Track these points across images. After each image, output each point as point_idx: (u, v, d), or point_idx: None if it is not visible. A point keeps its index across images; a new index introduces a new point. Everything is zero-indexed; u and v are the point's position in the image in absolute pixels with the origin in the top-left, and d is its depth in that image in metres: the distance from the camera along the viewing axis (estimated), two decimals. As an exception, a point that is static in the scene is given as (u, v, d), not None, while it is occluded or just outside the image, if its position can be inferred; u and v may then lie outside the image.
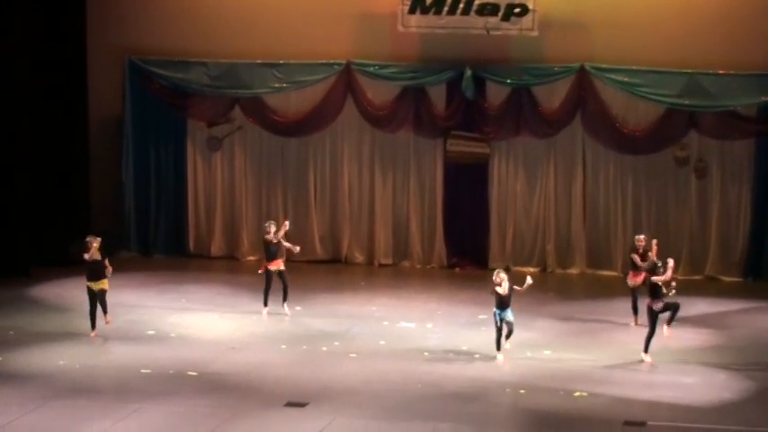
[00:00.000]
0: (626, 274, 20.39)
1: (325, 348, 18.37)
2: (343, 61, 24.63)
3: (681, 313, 20.37)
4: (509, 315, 17.67)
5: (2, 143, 23.17)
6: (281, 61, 24.74)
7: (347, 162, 25.24)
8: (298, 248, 20.58)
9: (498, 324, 17.67)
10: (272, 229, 20.30)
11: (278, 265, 20.32)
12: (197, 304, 21.21)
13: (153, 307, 20.89)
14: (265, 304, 20.44)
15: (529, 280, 17.83)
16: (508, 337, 17.85)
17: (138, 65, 25.17)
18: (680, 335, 19.32)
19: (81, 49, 24.35)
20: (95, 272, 18.75)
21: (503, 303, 17.61)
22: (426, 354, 18.11)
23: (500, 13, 23.64)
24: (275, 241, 20.25)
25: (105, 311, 18.83)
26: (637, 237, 20.17)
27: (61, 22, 23.93)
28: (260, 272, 20.49)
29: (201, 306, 21.02)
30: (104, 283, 18.80)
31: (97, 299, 18.74)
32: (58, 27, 23.89)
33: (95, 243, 18.81)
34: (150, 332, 19.20)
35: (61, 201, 23.89)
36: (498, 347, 17.77)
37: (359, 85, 24.74)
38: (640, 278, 19.41)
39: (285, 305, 20.40)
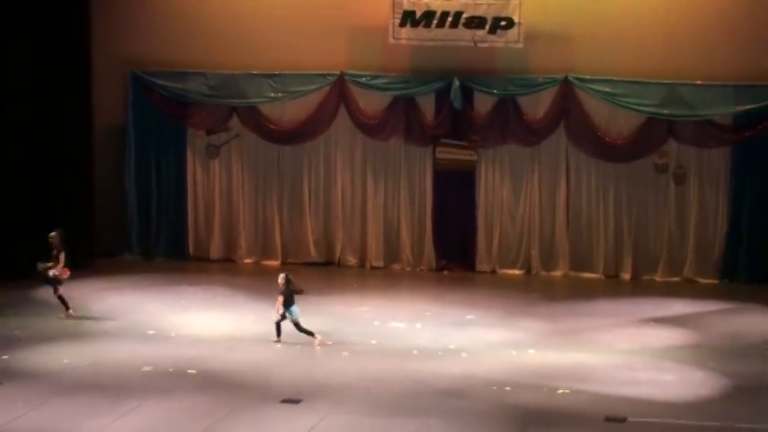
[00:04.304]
0: None
1: (318, 347, 18.36)
2: (337, 72, 24.82)
3: (660, 313, 20.64)
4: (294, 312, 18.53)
5: (7, 152, 23.30)
6: (277, 72, 24.92)
7: (340, 169, 25.43)
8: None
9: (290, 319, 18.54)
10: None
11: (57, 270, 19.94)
12: (196, 305, 21.34)
13: (154, 307, 20.96)
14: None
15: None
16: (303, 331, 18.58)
17: (140, 76, 25.34)
18: (659, 334, 19.56)
19: (86, 61, 24.46)
20: None
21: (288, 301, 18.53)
22: (416, 352, 18.10)
23: (487, 26, 23.78)
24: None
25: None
26: None
27: (67, 35, 24.00)
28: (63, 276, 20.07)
29: (200, 306, 21.15)
30: None
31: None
32: (64, 40, 23.95)
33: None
34: (151, 331, 19.13)
35: (66, 206, 23.81)
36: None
37: (351, 95, 24.93)
38: None
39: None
